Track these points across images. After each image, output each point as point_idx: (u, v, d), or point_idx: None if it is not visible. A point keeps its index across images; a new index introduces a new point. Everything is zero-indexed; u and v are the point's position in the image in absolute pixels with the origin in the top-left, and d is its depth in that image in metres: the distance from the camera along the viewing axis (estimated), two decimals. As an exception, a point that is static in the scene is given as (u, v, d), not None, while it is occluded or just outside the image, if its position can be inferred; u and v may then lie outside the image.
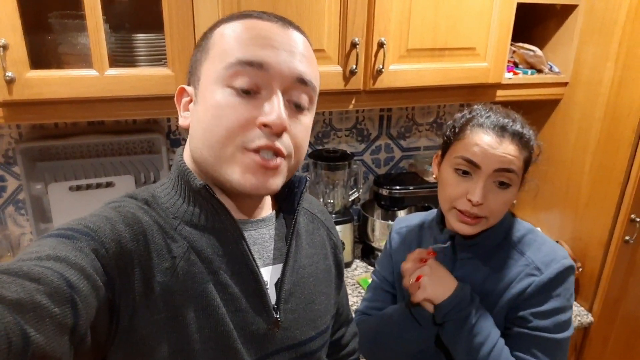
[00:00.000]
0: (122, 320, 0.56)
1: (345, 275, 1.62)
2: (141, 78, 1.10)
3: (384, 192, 1.68)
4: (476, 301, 0.89)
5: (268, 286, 0.68)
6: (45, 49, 1.12)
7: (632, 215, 1.38)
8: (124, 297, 0.56)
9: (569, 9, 1.49)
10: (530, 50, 1.48)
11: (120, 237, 0.57)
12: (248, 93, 0.59)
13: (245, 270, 0.65)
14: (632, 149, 1.33)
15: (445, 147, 0.93)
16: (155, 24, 1.17)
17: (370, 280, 1.59)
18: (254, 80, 0.59)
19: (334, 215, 1.66)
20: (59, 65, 1.12)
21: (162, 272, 0.60)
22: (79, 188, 1.40)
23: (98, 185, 1.43)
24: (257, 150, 0.59)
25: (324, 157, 1.64)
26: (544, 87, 1.52)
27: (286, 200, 0.74)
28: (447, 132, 0.93)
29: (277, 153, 0.61)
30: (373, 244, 1.72)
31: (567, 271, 0.88)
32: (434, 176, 0.97)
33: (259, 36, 0.60)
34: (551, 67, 1.55)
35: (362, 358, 1.05)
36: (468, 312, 0.87)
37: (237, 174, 0.60)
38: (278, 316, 0.68)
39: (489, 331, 0.87)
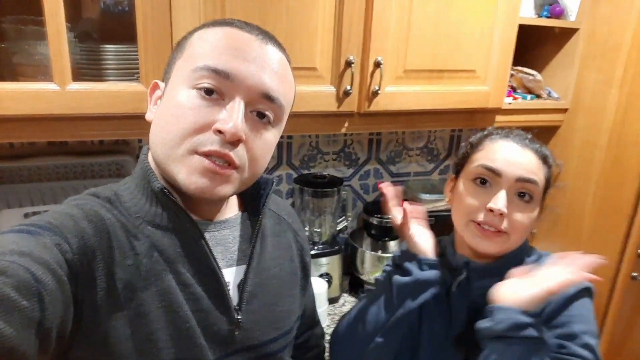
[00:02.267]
0: (85, 315, 0.56)
1: (333, 313, 1.52)
2: (109, 94, 0.97)
3: (374, 221, 1.57)
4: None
5: (230, 287, 0.69)
6: (-2, 58, 0.98)
7: (640, 251, 1.31)
8: (87, 292, 0.56)
9: (569, 32, 1.43)
10: (530, 74, 1.41)
11: (83, 232, 0.56)
12: (210, 94, 0.60)
13: (206, 271, 0.65)
14: (640, 180, 1.26)
15: (460, 165, 0.87)
16: (126, 34, 1.05)
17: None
18: (219, 87, 0.60)
19: (320, 246, 1.53)
20: (14, 77, 0.97)
21: (125, 269, 0.60)
22: (35, 215, 1.24)
23: (58, 213, 1.27)
24: (207, 155, 0.59)
25: (311, 182, 1.52)
26: (544, 113, 1.45)
27: (252, 202, 0.74)
28: (462, 151, 0.88)
29: (228, 162, 0.60)
30: (362, 277, 1.60)
31: (586, 291, 0.80)
32: (447, 200, 0.91)
33: (233, 46, 0.61)
34: (550, 92, 1.49)
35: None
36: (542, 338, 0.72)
37: (182, 174, 0.60)
38: (239, 317, 0.68)
39: None
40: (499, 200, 0.77)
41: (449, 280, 0.87)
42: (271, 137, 0.66)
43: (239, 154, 0.61)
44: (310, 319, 0.92)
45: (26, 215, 1.23)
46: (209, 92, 0.60)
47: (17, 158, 1.24)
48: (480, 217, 0.80)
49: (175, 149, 0.60)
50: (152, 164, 0.66)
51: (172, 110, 0.61)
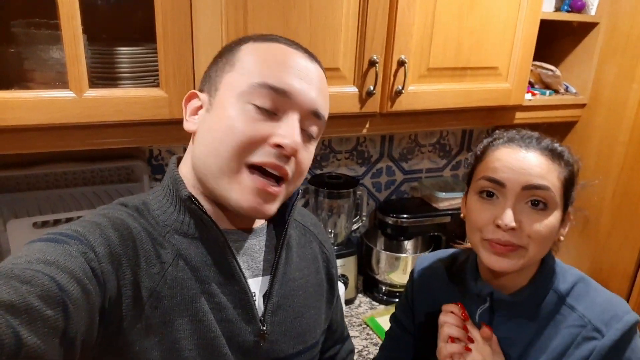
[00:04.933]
0: (111, 324, 0.56)
1: (350, 314, 1.49)
2: (129, 100, 0.91)
3: (390, 220, 1.54)
4: None
5: (256, 297, 0.68)
6: (7, 64, 0.91)
7: (662, 247, 1.30)
8: (113, 301, 0.56)
9: (588, 26, 1.40)
10: (549, 69, 1.38)
11: (109, 241, 0.57)
12: (267, 113, 0.61)
13: (232, 281, 0.65)
14: (664, 177, 1.24)
15: (468, 178, 0.81)
16: (137, 34, 0.99)
17: (378, 320, 1.45)
18: (275, 103, 0.61)
19: (336, 247, 1.50)
20: (24, 84, 0.92)
21: (151, 277, 0.60)
22: (44, 224, 1.20)
23: (68, 221, 1.21)
24: (261, 168, 0.60)
25: (326, 183, 1.48)
26: (563, 108, 1.43)
27: (278, 212, 0.72)
28: (469, 162, 0.83)
29: (282, 177, 0.62)
30: (377, 277, 1.58)
31: (633, 329, 0.74)
32: (462, 215, 0.84)
33: (287, 64, 0.62)
34: (567, 87, 1.46)
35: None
36: None
37: (236, 192, 0.61)
38: (264, 328, 0.67)
39: None
40: (506, 215, 0.70)
41: (472, 308, 0.81)
42: (313, 150, 0.68)
43: (291, 167, 0.63)
44: (338, 333, 0.89)
45: (35, 225, 1.18)
46: (266, 110, 0.61)
47: (23, 166, 1.18)
48: (490, 233, 0.73)
49: (229, 162, 0.60)
50: (181, 173, 0.67)
51: (225, 122, 0.61)
